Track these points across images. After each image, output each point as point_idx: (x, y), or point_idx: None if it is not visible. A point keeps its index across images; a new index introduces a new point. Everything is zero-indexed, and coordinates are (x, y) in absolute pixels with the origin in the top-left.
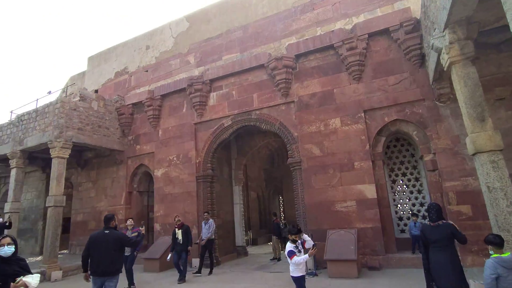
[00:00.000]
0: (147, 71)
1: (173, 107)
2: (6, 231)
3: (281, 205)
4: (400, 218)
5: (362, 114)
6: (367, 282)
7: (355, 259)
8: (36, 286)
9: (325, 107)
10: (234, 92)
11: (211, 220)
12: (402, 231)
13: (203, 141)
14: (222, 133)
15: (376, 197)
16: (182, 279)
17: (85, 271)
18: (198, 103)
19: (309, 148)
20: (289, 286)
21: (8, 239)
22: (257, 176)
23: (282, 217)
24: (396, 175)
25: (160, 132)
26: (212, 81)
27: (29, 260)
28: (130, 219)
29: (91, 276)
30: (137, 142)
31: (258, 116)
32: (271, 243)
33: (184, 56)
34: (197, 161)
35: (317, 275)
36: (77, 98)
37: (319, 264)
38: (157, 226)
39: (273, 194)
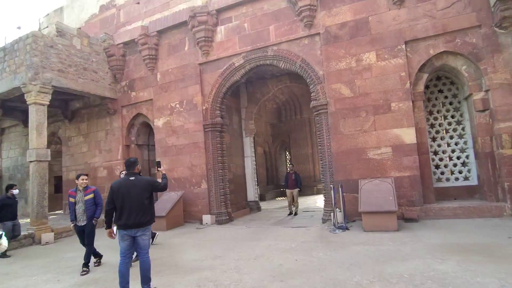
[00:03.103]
0: (138, 3)
1: (172, 45)
2: None
3: (287, 161)
4: (437, 166)
5: (403, 46)
6: (411, 235)
7: (396, 210)
8: (6, 247)
9: (357, 39)
10: (246, 24)
11: None
12: (439, 179)
13: (210, 85)
14: (233, 74)
15: (415, 142)
16: None
17: (108, 227)
18: (203, 39)
19: (337, 88)
20: (319, 241)
21: None
22: (263, 131)
23: None
24: (435, 119)
25: (158, 76)
26: (219, 11)
27: (20, 222)
28: (84, 176)
29: (116, 232)
30: (132, 88)
31: (275, 52)
32: (279, 198)
33: None
34: (204, 107)
35: (348, 229)
36: (54, 33)
37: (348, 217)
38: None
39: (280, 149)
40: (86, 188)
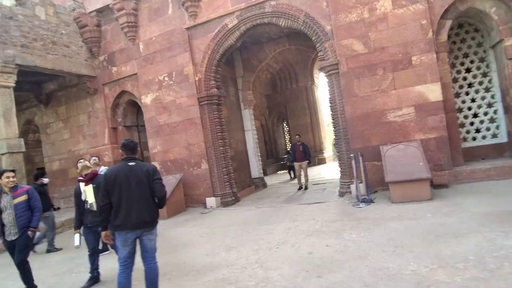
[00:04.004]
0: None
1: (154, 9)
2: None
3: (285, 133)
4: (462, 125)
5: None
6: (450, 204)
7: (429, 177)
8: None
9: None
10: None
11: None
12: (464, 139)
13: (201, 52)
14: (226, 38)
15: (441, 99)
16: None
17: (105, 228)
18: None
19: (348, 44)
20: (345, 219)
21: None
22: (259, 103)
23: (289, 145)
24: (458, 72)
25: (141, 46)
26: None
27: None
28: (9, 172)
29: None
30: (112, 63)
31: (274, 8)
32: (280, 172)
33: None
34: (197, 78)
35: (373, 202)
36: (13, 2)
37: (370, 188)
38: (155, 165)
39: (277, 121)
40: (14, 188)
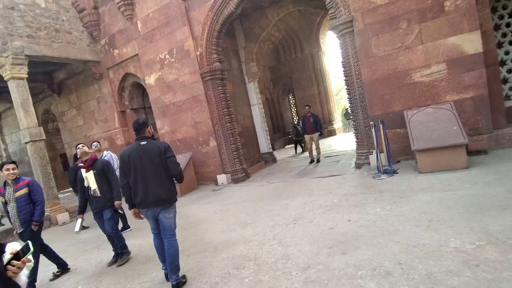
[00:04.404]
0: None
1: None
2: None
3: (292, 105)
4: (504, 80)
5: None
6: (492, 173)
7: (466, 142)
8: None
9: None
10: None
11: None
12: (506, 97)
13: (200, 24)
14: (225, 5)
15: (482, 50)
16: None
17: (132, 206)
18: None
19: None
20: (366, 192)
21: None
22: (262, 76)
23: (295, 118)
24: (500, 17)
25: (139, 25)
26: None
27: None
28: (9, 165)
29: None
30: (113, 46)
31: None
32: (288, 146)
33: None
34: (198, 53)
35: (396, 173)
36: None
37: (393, 158)
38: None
39: (282, 94)
40: (16, 180)
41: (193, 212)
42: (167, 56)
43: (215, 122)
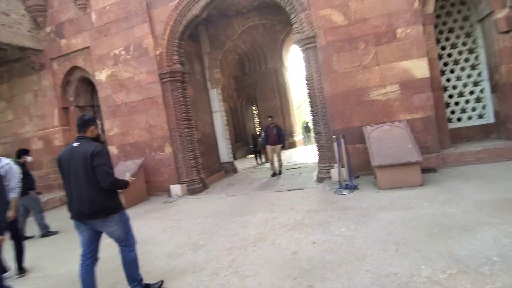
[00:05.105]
0: None
1: None
2: None
3: (254, 116)
4: (446, 104)
5: None
6: (445, 191)
7: (420, 160)
8: None
9: None
10: None
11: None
12: (450, 120)
13: (162, 23)
14: (190, 7)
15: (428, 76)
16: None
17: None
18: None
19: (327, 15)
20: (329, 209)
21: None
22: (226, 85)
23: (258, 128)
24: (443, 48)
25: (93, 16)
26: None
27: None
28: None
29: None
30: (61, 35)
31: None
32: (250, 156)
33: None
34: (158, 52)
35: (357, 188)
36: None
37: (353, 173)
38: (113, 149)
39: (246, 104)
40: None
41: (138, 229)
42: (123, 52)
43: (172, 127)
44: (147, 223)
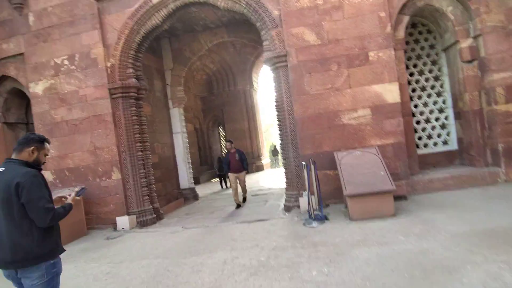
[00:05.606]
0: None
1: None
2: None
3: (221, 138)
4: (414, 130)
5: None
6: (419, 222)
7: (394, 189)
8: None
9: None
10: None
11: None
12: (417, 146)
13: (116, 31)
14: (150, 16)
15: (399, 101)
16: None
17: None
18: None
19: (299, 33)
20: (298, 246)
21: None
22: (193, 105)
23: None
24: (411, 74)
25: (31, 18)
26: None
27: None
28: None
29: None
30: None
31: None
32: (215, 180)
33: None
34: (109, 64)
35: (327, 219)
36: None
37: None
38: (48, 175)
39: (212, 125)
40: None
41: (65, 276)
42: (66, 62)
43: (122, 149)
44: (79, 266)
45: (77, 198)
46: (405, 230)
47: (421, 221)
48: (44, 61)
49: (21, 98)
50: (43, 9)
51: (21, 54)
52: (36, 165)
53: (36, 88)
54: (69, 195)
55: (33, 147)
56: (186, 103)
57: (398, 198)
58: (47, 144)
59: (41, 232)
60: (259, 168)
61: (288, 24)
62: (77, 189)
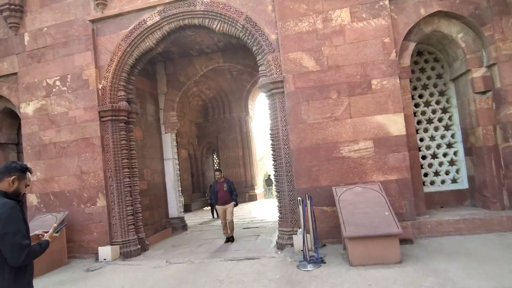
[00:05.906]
0: None
1: None
2: None
3: (215, 165)
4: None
5: (386, 2)
6: (430, 272)
7: (400, 232)
8: None
9: None
10: None
11: None
12: (423, 183)
13: (109, 52)
14: (144, 38)
15: (405, 133)
16: None
17: None
18: None
19: (297, 58)
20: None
21: None
22: (188, 131)
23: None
24: (416, 105)
25: (26, 38)
26: None
27: None
28: None
29: None
30: None
31: (207, 7)
32: (207, 208)
33: None
34: (100, 86)
35: (324, 262)
36: None
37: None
38: (32, 199)
39: (207, 152)
40: None
41: None
42: (58, 83)
43: (109, 175)
44: None
45: (55, 235)
46: (414, 282)
47: (431, 271)
48: (37, 81)
49: (13, 118)
50: (39, 29)
51: (15, 74)
52: (15, 196)
53: (27, 109)
54: (46, 232)
55: (14, 176)
56: (181, 129)
57: (403, 241)
58: (29, 174)
59: (13, 272)
60: (252, 198)
61: (286, 48)
62: (55, 224)
